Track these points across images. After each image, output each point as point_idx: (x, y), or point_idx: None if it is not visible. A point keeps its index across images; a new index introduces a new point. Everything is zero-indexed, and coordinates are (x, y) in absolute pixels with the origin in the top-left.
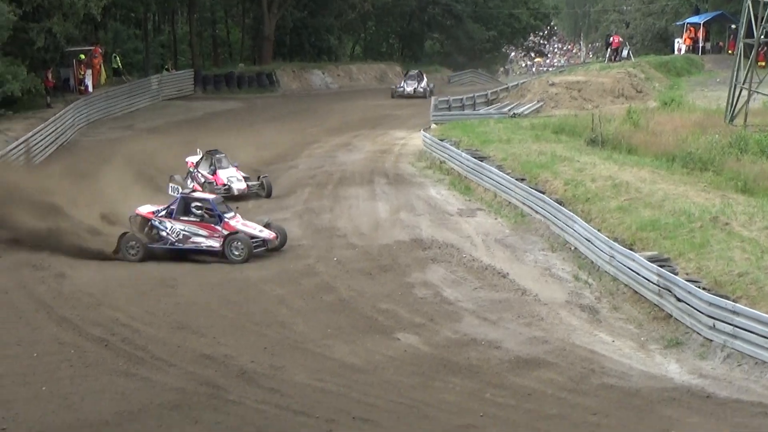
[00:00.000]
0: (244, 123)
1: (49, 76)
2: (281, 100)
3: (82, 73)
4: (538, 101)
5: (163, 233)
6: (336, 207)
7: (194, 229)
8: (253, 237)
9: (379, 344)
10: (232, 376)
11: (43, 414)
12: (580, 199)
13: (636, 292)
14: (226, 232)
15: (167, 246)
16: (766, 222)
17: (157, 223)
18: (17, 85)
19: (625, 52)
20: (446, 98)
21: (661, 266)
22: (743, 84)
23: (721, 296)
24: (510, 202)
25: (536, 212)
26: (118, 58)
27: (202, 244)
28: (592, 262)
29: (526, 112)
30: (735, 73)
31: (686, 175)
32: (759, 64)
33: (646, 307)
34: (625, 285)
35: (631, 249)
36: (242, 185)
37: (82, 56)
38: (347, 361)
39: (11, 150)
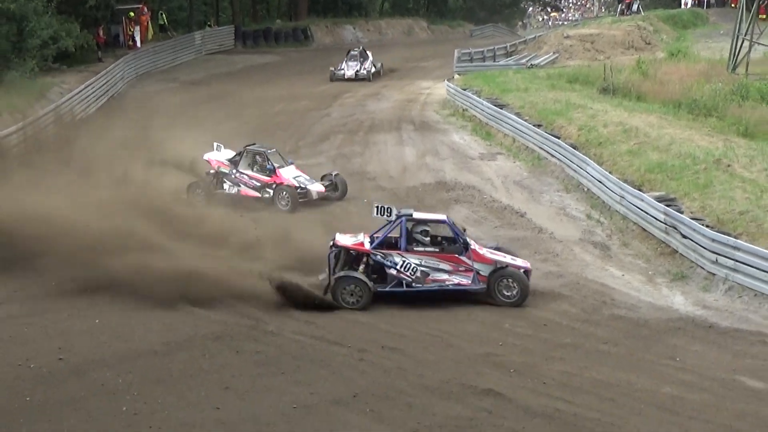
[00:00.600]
0: (280, 75)
1: (101, 32)
2: (315, 53)
3: (131, 29)
4: (553, 53)
5: (392, 271)
6: (366, 152)
7: (433, 262)
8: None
9: None
10: (271, 310)
11: (97, 344)
12: (593, 144)
13: (644, 229)
14: (479, 266)
15: (403, 289)
16: (765, 164)
17: (379, 258)
18: (71, 42)
19: (635, 7)
20: (468, 50)
21: (667, 205)
22: (745, 35)
23: (724, 233)
24: (528, 147)
25: (552, 156)
26: (164, 15)
27: (447, 282)
28: (604, 202)
29: (542, 63)
30: (737, 25)
31: (691, 121)
32: (760, 16)
33: (654, 244)
34: (634, 223)
35: (639, 190)
36: (320, 186)
37: (131, 14)
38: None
39: (64, 102)
